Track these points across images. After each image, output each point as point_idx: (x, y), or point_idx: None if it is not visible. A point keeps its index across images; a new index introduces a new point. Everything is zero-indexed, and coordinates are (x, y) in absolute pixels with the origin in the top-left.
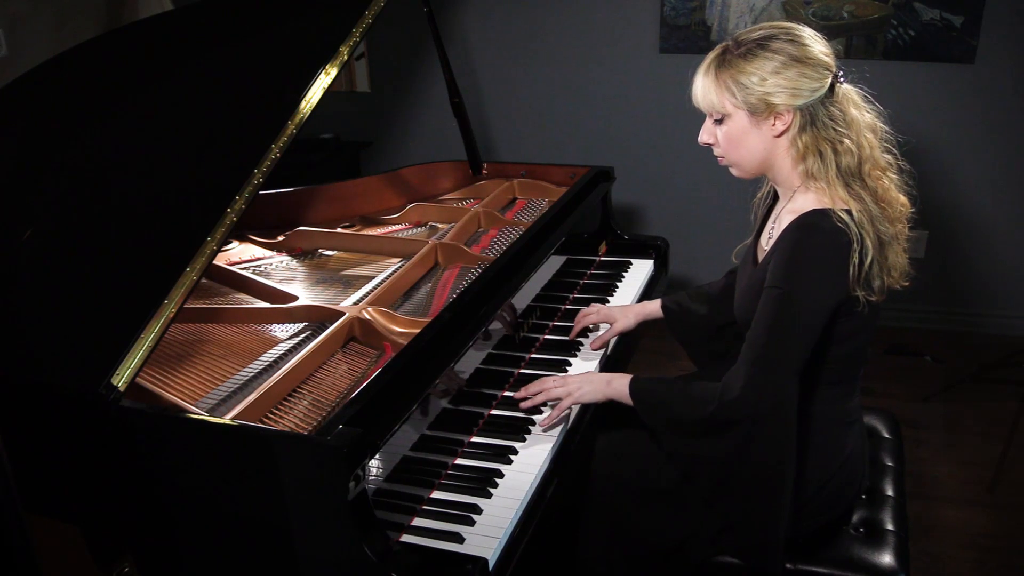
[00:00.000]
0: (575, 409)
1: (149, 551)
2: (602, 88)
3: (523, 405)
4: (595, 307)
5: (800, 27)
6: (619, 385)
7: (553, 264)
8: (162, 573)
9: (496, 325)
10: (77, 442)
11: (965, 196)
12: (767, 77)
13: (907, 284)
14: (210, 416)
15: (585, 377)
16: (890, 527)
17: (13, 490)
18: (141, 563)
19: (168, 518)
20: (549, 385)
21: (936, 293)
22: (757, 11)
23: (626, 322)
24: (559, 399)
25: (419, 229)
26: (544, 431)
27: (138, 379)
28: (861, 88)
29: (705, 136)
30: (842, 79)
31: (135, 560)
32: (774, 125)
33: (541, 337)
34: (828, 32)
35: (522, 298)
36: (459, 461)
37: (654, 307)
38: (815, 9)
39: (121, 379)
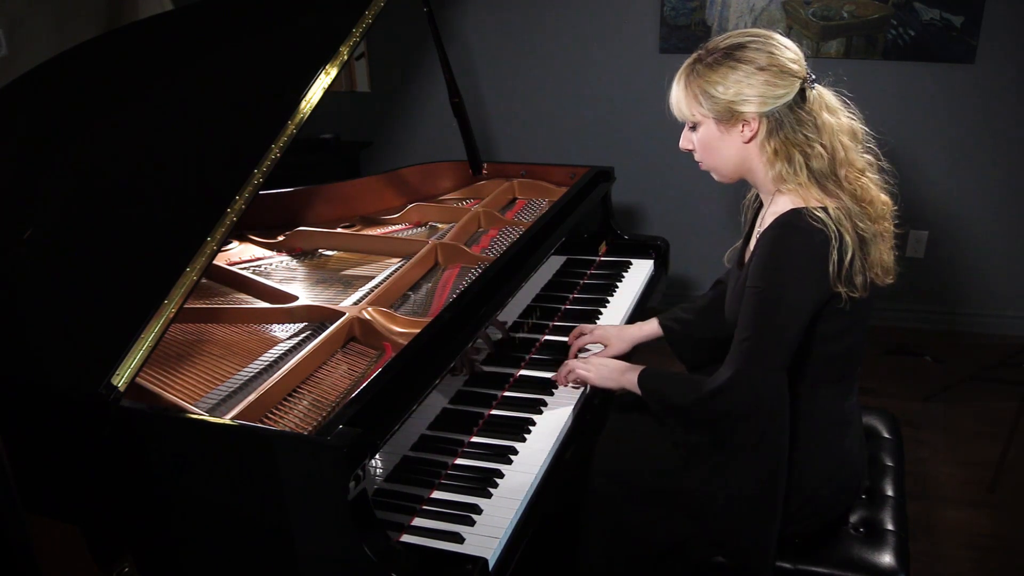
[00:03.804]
0: (574, 411)
1: (149, 551)
2: (602, 88)
3: (559, 382)
4: (589, 327)
5: (771, 34)
6: (632, 376)
7: (553, 264)
8: (162, 573)
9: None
10: (77, 442)
11: (965, 196)
12: (732, 86)
13: (892, 281)
14: (210, 416)
15: (605, 365)
16: (890, 527)
17: (13, 490)
18: (141, 563)
19: (168, 518)
20: (575, 365)
21: (936, 293)
22: (757, 11)
23: (620, 347)
24: (582, 377)
25: (419, 229)
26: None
27: (138, 379)
28: (839, 91)
29: (684, 142)
30: (813, 84)
31: (135, 560)
32: (742, 131)
33: (541, 337)
34: (828, 32)
35: (522, 298)
36: (459, 461)
37: (651, 328)
38: (815, 9)
39: (121, 379)
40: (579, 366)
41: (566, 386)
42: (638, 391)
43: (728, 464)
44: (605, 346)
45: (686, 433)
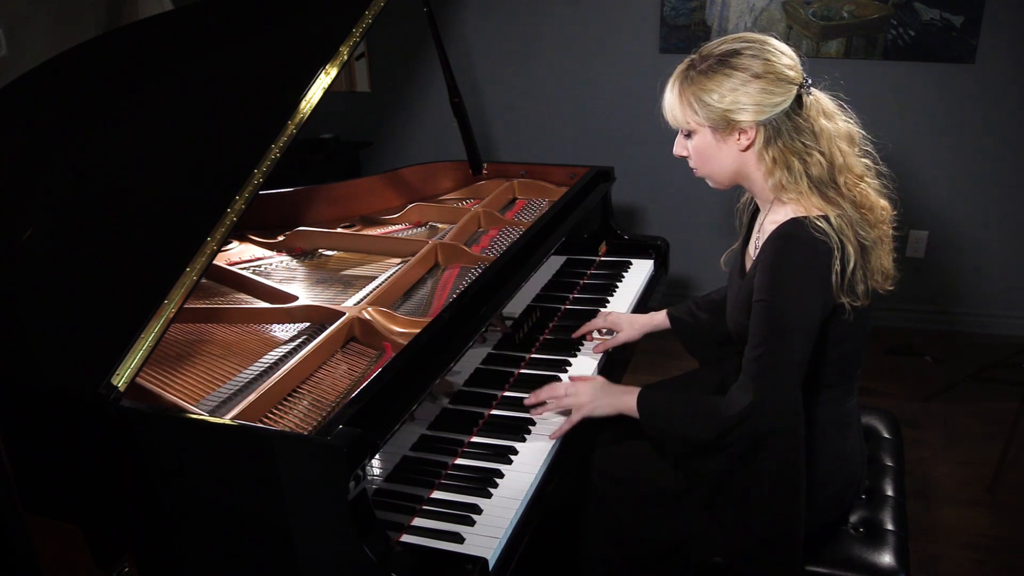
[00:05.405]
0: None
1: (149, 551)
2: (602, 88)
3: (533, 412)
4: (603, 312)
5: (766, 39)
6: (629, 399)
7: (553, 264)
8: (162, 573)
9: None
10: (77, 442)
11: (965, 196)
12: (727, 94)
13: (892, 288)
14: (210, 416)
15: (596, 390)
16: (890, 527)
17: (13, 490)
18: (141, 563)
19: (168, 518)
20: (560, 393)
21: (937, 293)
22: (757, 11)
23: (631, 333)
24: (569, 408)
25: (419, 229)
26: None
27: (138, 379)
28: (835, 95)
29: (678, 149)
30: (809, 90)
31: (135, 560)
32: (739, 140)
33: (541, 337)
34: (828, 32)
35: (522, 298)
36: (459, 461)
37: (660, 318)
38: (815, 9)
39: (121, 379)
40: (564, 396)
41: (544, 414)
42: (636, 415)
43: (740, 471)
44: (616, 332)
45: (692, 458)
